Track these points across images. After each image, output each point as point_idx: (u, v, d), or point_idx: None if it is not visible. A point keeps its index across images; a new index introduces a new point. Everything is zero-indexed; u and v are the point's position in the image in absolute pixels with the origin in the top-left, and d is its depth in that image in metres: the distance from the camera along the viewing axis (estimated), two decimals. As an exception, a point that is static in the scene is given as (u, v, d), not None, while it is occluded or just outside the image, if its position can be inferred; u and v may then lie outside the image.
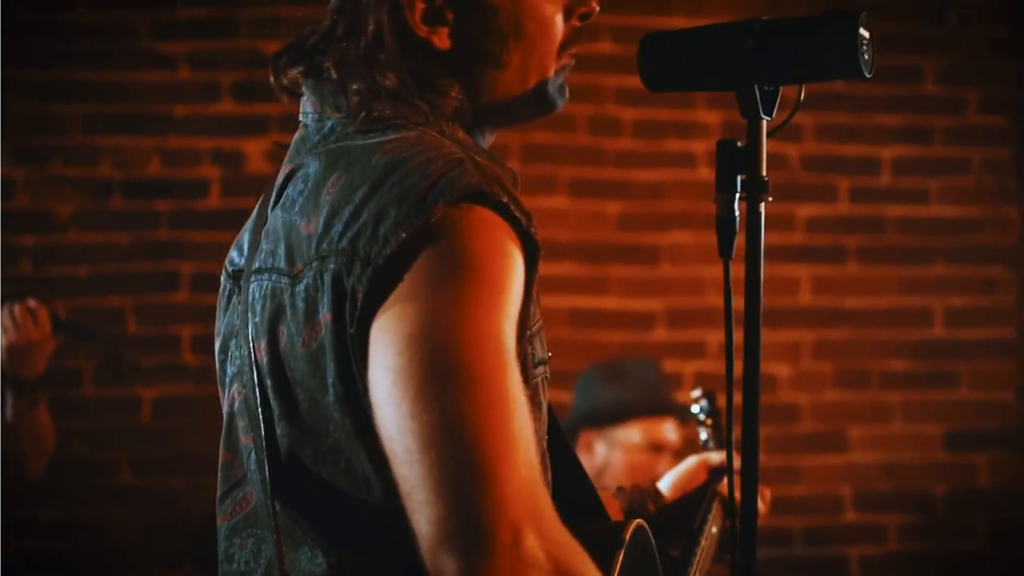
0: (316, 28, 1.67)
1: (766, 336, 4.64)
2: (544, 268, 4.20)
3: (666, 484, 2.11)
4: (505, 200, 1.45)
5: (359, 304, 1.41)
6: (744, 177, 1.62)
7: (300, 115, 1.67)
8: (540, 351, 1.57)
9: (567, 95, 1.73)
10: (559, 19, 1.68)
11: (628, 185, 4.59)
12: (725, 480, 2.15)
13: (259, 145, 4.38)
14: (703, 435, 2.27)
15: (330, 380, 1.44)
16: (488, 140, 1.72)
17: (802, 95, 1.68)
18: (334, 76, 1.61)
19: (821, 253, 4.69)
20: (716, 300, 4.54)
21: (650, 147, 4.58)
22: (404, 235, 1.41)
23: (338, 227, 1.45)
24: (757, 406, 1.61)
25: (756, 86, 1.62)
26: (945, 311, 4.74)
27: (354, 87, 1.60)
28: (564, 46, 1.69)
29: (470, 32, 1.64)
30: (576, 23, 1.71)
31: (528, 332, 1.51)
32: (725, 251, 1.64)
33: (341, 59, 1.62)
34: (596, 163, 4.52)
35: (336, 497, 1.47)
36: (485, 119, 1.68)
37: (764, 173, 1.62)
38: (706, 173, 4.58)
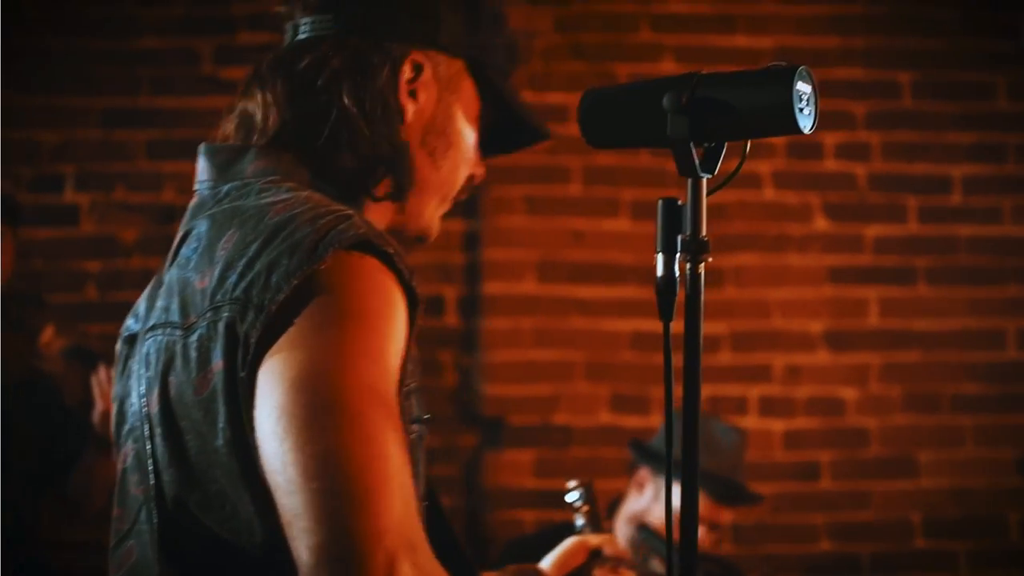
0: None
1: (834, 358, 4.72)
2: (606, 291, 4.28)
3: (547, 563, 2.13)
4: (391, 251, 1.52)
5: (251, 349, 1.48)
6: (684, 237, 1.61)
7: (195, 184, 1.75)
8: (417, 410, 1.63)
9: (436, 234, 1.83)
10: (471, 168, 1.83)
11: (692, 207, 4.62)
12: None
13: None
14: (579, 521, 2.35)
15: (220, 425, 1.49)
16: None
17: (747, 151, 1.67)
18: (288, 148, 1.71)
19: (890, 274, 4.69)
20: (782, 323, 4.60)
21: (714, 168, 4.63)
22: (295, 282, 1.48)
23: (232, 278, 1.52)
24: (696, 467, 1.61)
25: (692, 143, 1.61)
26: (1018, 332, 4.72)
27: (281, 156, 1.70)
28: (464, 187, 1.84)
29: (427, 123, 1.76)
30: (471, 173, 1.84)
31: (404, 388, 1.56)
32: (665, 313, 1.64)
33: (278, 126, 1.71)
34: (659, 185, 4.48)
35: (220, 543, 1.53)
36: (386, 209, 1.75)
37: (704, 233, 1.61)
38: (771, 194, 4.63)
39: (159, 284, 1.67)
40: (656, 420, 4.35)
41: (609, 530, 3.62)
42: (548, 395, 4.48)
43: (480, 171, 1.84)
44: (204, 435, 1.51)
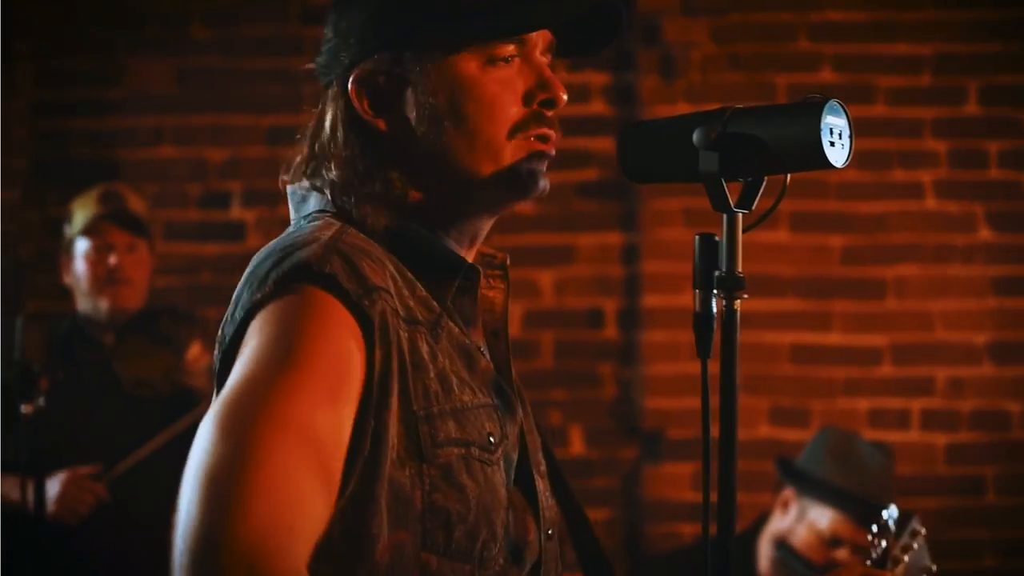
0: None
1: (999, 371, 4.74)
2: (765, 304, 4.36)
3: None
4: (329, 271, 1.55)
5: (214, 380, 1.61)
6: (720, 273, 1.61)
7: None
8: (457, 432, 1.64)
9: (544, 184, 1.75)
10: (511, 102, 1.72)
11: (852, 218, 4.62)
12: None
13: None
14: (874, 553, 2.25)
15: None
16: (469, 228, 1.77)
17: (786, 185, 1.65)
18: (291, 176, 1.78)
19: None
20: (944, 335, 4.60)
21: (874, 178, 4.62)
22: (243, 314, 1.57)
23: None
24: (734, 510, 1.58)
25: (723, 179, 1.60)
26: None
27: (298, 190, 1.76)
28: (525, 128, 1.72)
29: (408, 115, 1.73)
30: (537, 109, 1.73)
31: (422, 412, 1.60)
32: (702, 351, 1.63)
33: (298, 166, 1.76)
34: (818, 196, 4.57)
35: None
36: (445, 204, 1.75)
37: (739, 269, 1.60)
38: (933, 204, 4.63)
39: None
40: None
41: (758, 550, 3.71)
42: None
43: (546, 94, 1.73)
44: None
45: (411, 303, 1.67)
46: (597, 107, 4.66)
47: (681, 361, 4.52)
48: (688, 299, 4.50)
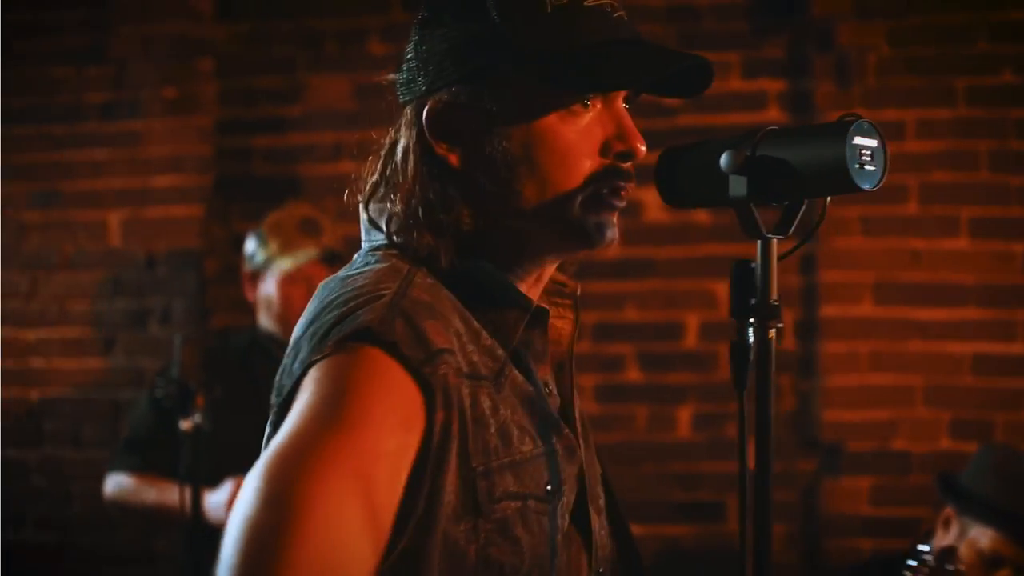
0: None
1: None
2: (945, 313, 4.35)
3: None
4: (390, 339, 1.55)
5: (267, 430, 1.63)
6: (754, 301, 1.58)
7: None
8: (515, 485, 1.65)
9: (612, 235, 1.74)
10: (587, 153, 1.71)
11: (1036, 224, 4.56)
12: None
13: (656, 194, 4.71)
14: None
15: None
16: (534, 269, 1.78)
17: (825, 210, 1.64)
18: (362, 206, 1.80)
19: None
20: None
21: (1061, 182, 4.56)
22: (301, 369, 1.58)
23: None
24: (770, 536, 1.59)
25: (752, 204, 1.58)
26: None
27: (367, 216, 1.79)
28: (598, 181, 1.71)
29: (482, 154, 1.72)
30: (613, 163, 1.72)
31: (480, 468, 1.61)
32: (739, 381, 1.61)
33: (369, 189, 1.79)
34: (1000, 201, 4.54)
35: None
36: (510, 244, 1.74)
37: (775, 296, 1.58)
38: None
39: None
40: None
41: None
42: (886, 420, 4.52)
43: (623, 145, 1.72)
44: None
45: (475, 357, 1.66)
46: (772, 114, 4.71)
47: (860, 372, 4.54)
48: (867, 309, 4.56)
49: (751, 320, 1.59)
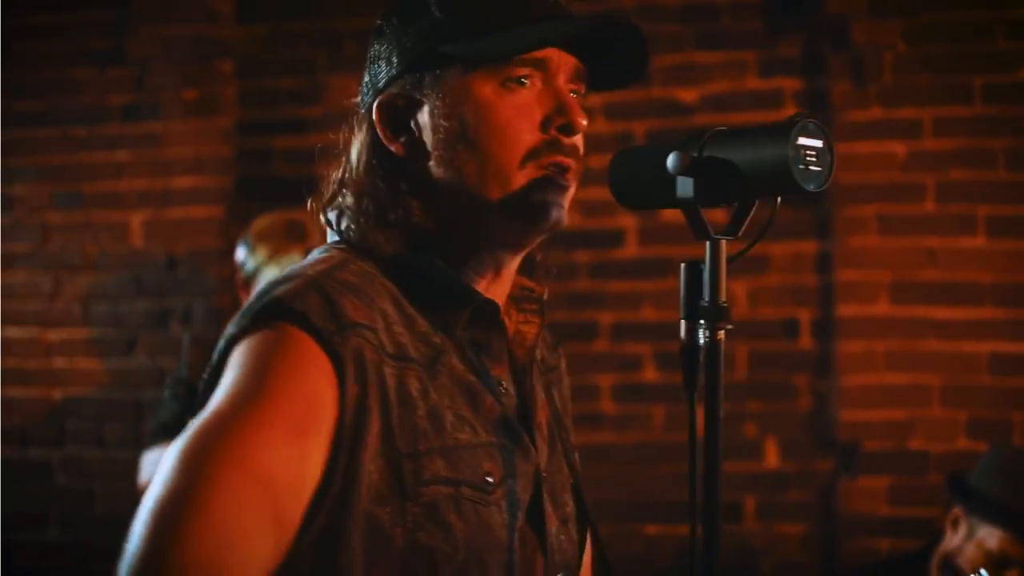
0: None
1: None
2: (963, 312, 4.34)
3: None
4: (300, 308, 1.59)
5: (196, 411, 1.63)
6: (704, 302, 1.57)
7: None
8: (447, 470, 1.66)
9: (557, 215, 1.75)
10: (526, 128, 1.72)
11: (1053, 221, 4.54)
12: None
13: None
14: None
15: None
16: (490, 262, 1.80)
17: (776, 212, 1.63)
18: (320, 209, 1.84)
19: None
20: None
21: (1080, 179, 4.53)
22: (222, 346, 1.63)
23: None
24: (718, 540, 1.58)
25: (699, 206, 1.58)
26: None
27: (323, 218, 1.83)
28: (539, 155, 1.73)
29: (423, 139, 1.76)
30: (554, 135, 1.73)
31: (407, 450, 1.63)
32: (689, 383, 1.61)
33: (331, 191, 1.83)
34: (1018, 200, 4.52)
35: None
36: (461, 236, 1.77)
37: (723, 298, 1.57)
38: None
39: None
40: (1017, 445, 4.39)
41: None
42: (903, 420, 4.52)
43: (563, 118, 1.74)
44: None
45: (404, 339, 1.69)
46: (789, 113, 4.69)
47: (877, 372, 4.54)
48: (884, 308, 4.57)
49: (701, 322, 1.58)
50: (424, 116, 1.77)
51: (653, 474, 4.77)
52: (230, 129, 5.14)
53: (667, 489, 4.73)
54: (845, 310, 4.61)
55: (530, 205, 1.74)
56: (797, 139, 1.52)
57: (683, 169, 1.57)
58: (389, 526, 1.62)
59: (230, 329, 1.64)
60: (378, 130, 1.79)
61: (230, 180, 5.11)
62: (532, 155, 1.73)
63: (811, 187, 1.53)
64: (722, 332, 1.57)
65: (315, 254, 1.79)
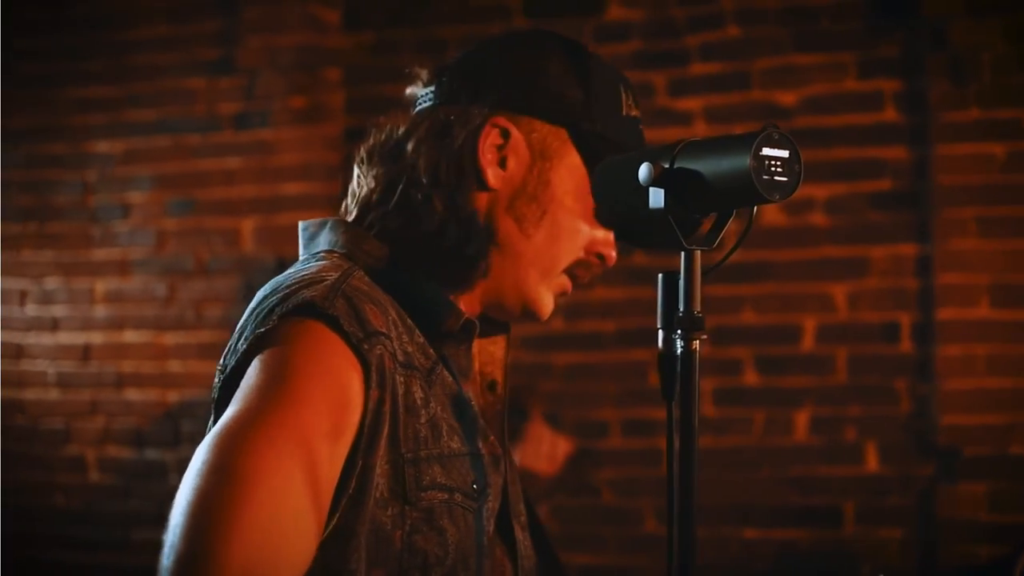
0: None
1: None
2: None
3: None
4: (333, 312, 1.62)
5: (211, 410, 1.68)
6: (680, 313, 1.58)
7: None
8: (443, 477, 1.72)
9: (546, 313, 1.86)
10: (583, 241, 1.84)
11: None
12: None
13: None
14: None
15: None
16: (474, 297, 1.85)
17: (751, 222, 1.64)
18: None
19: None
20: None
21: None
22: (245, 346, 1.64)
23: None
24: (693, 547, 1.57)
25: (670, 217, 1.58)
26: None
27: (315, 221, 1.87)
28: (573, 265, 1.85)
29: (517, 189, 1.81)
30: (586, 257, 1.85)
31: (409, 455, 1.67)
32: (667, 391, 1.59)
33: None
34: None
35: None
36: (464, 273, 1.83)
37: (698, 308, 1.57)
38: None
39: None
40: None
41: None
42: (1004, 425, 4.50)
43: (607, 250, 1.86)
44: None
45: (409, 348, 1.74)
46: (889, 115, 4.74)
47: (977, 376, 4.54)
48: (984, 311, 4.57)
49: (677, 331, 1.59)
50: (522, 164, 1.83)
51: (753, 478, 4.82)
52: (337, 136, 5.29)
53: (766, 493, 4.79)
54: (945, 313, 4.61)
55: (538, 306, 1.87)
56: (761, 150, 1.53)
57: (654, 180, 1.60)
58: (390, 528, 1.67)
59: (254, 328, 1.66)
60: (483, 144, 1.83)
61: (337, 187, 5.19)
62: (569, 264, 1.86)
63: (776, 197, 1.54)
64: (696, 342, 1.58)
65: (310, 260, 1.82)
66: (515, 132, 1.82)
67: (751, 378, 4.87)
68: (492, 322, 1.92)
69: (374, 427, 1.64)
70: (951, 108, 4.61)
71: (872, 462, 4.73)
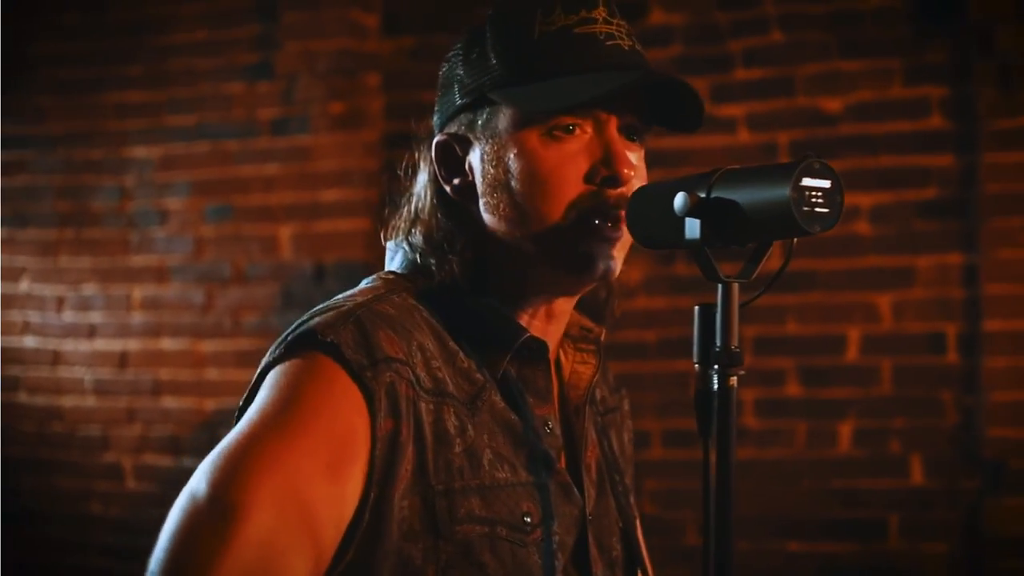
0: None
1: None
2: None
3: None
4: (333, 340, 1.61)
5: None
6: (717, 348, 1.55)
7: None
8: (482, 509, 1.69)
9: (604, 267, 1.75)
10: (570, 180, 1.74)
11: None
12: None
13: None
14: None
15: None
16: (541, 303, 1.83)
17: (790, 256, 1.60)
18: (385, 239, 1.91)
19: None
20: None
21: None
22: (257, 373, 1.66)
23: None
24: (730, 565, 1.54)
25: (706, 247, 1.56)
26: None
27: (398, 240, 1.88)
28: (584, 208, 1.74)
29: (476, 183, 1.81)
30: (597, 188, 1.75)
31: (440, 487, 1.65)
32: (703, 429, 1.58)
33: (403, 224, 1.89)
34: None
35: None
36: (510, 277, 1.81)
37: (735, 343, 1.55)
38: None
39: None
40: None
41: None
42: None
43: (609, 170, 1.75)
44: None
45: (441, 374, 1.71)
46: (935, 122, 4.73)
47: (1022, 388, 4.53)
48: (1032, 322, 4.51)
49: (714, 367, 1.57)
50: (474, 160, 1.81)
51: (795, 490, 4.84)
52: (376, 142, 5.33)
53: (809, 506, 4.80)
54: (992, 324, 4.61)
55: (574, 258, 1.76)
56: (801, 180, 1.50)
57: (690, 210, 1.57)
58: (421, 562, 1.65)
59: (266, 357, 1.68)
60: (436, 168, 1.85)
61: (375, 193, 5.27)
62: (576, 207, 1.75)
63: (817, 229, 1.51)
64: (734, 378, 1.56)
65: (364, 283, 1.84)
66: (446, 139, 1.83)
67: (794, 389, 4.87)
68: (583, 340, 1.93)
69: (389, 457, 1.62)
70: (999, 115, 4.60)
71: (917, 475, 4.74)
